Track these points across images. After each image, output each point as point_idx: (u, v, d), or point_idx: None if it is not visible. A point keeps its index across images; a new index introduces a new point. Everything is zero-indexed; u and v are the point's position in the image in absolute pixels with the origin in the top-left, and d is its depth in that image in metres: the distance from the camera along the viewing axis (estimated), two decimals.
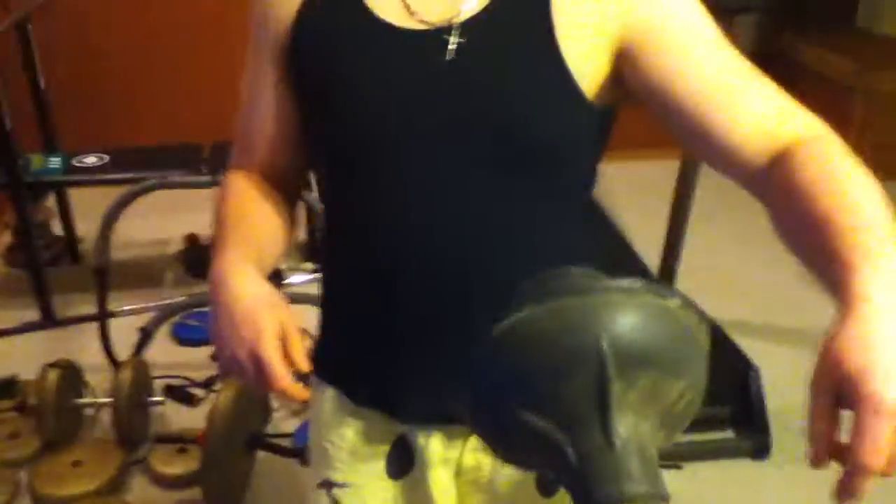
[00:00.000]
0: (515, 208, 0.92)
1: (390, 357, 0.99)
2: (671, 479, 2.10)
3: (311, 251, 3.24)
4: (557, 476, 0.63)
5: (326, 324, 1.06)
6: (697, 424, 2.34)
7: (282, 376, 0.81)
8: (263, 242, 0.96)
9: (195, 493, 2.12)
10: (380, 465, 1.04)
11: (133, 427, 2.28)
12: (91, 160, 2.96)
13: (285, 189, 1.04)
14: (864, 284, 0.62)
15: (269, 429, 2.30)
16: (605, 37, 0.86)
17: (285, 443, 2.22)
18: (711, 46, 0.85)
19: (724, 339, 2.34)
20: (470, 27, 0.87)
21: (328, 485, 1.06)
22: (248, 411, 2.10)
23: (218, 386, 2.50)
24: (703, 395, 0.66)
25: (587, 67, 0.86)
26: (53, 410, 2.20)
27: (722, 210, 3.70)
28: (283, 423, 2.36)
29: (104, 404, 2.32)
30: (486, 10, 0.87)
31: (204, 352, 2.70)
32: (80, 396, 2.35)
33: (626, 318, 0.61)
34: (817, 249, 0.70)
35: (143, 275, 3.22)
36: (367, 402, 1.02)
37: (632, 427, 0.60)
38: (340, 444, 1.04)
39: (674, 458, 2.15)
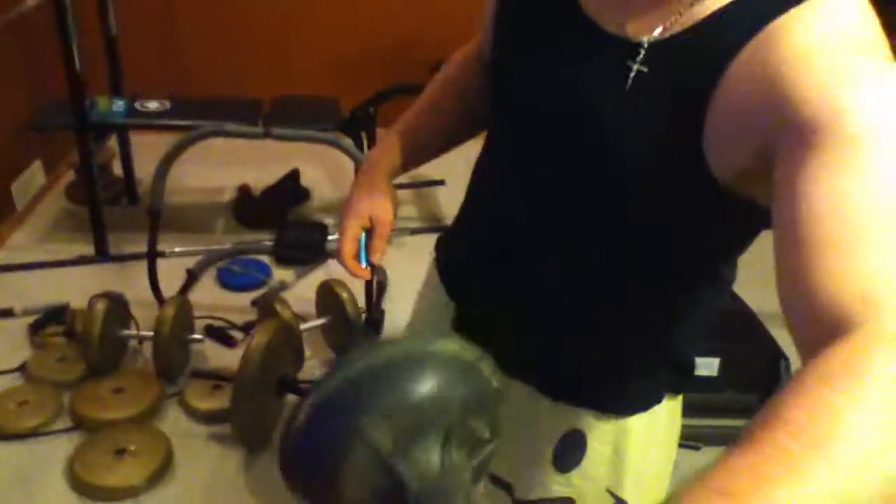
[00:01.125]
0: (614, 249, 0.91)
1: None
2: (691, 461, 2.14)
3: None
4: None
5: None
6: (724, 410, 2.35)
7: (346, 253, 1.05)
8: (430, 136, 1.16)
9: (226, 428, 2.21)
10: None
11: (172, 361, 2.38)
12: (153, 105, 3.05)
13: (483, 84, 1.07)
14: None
15: (301, 375, 2.38)
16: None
17: None
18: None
19: (756, 327, 2.33)
20: (653, 55, 0.79)
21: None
22: (281, 355, 2.17)
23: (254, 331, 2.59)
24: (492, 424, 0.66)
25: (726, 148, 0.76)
26: (99, 338, 2.30)
27: None
28: (314, 370, 2.43)
29: (147, 337, 2.42)
30: (669, 38, 0.79)
31: (245, 297, 2.79)
32: (126, 328, 2.45)
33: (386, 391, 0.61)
34: None
35: (194, 220, 3.33)
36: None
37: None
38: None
39: (696, 440, 2.15)
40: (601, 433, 1.02)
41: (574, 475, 1.03)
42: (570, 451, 1.02)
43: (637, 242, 0.89)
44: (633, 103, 0.80)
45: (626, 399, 1.01)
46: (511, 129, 0.97)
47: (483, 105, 1.02)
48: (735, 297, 2.42)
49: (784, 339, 2.33)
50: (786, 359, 2.24)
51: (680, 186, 0.80)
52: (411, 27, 3.82)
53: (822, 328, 0.57)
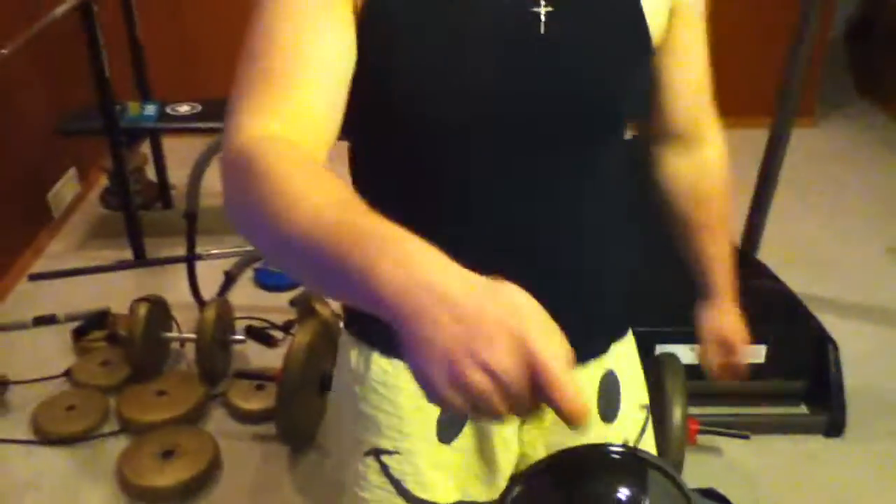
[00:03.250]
0: (589, 180, 0.95)
1: None
2: (740, 450, 2.10)
3: None
4: None
5: None
6: (771, 397, 2.32)
7: (577, 393, 0.54)
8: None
9: (270, 428, 2.22)
10: (429, 430, 1.01)
11: (215, 363, 2.39)
12: (184, 109, 3.07)
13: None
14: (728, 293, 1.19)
15: None
16: None
17: None
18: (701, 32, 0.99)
19: (803, 312, 2.29)
20: None
21: (376, 452, 1.03)
22: (323, 354, 2.17)
23: (295, 329, 2.60)
24: None
25: (657, 21, 0.90)
26: (141, 342, 2.32)
27: (809, 183, 3.61)
28: None
29: (189, 339, 2.43)
30: None
31: (284, 297, 2.79)
32: (167, 331, 2.47)
33: None
34: (690, 236, 1.15)
35: (229, 222, 3.34)
36: None
37: None
38: (390, 410, 1.01)
39: (744, 428, 2.13)
40: (621, 361, 1.07)
41: (619, 417, 1.06)
42: (609, 399, 1.05)
43: (612, 153, 0.97)
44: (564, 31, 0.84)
45: (625, 315, 1.11)
46: (461, 147, 0.87)
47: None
48: (778, 282, 2.38)
49: (831, 324, 2.29)
50: (833, 342, 2.20)
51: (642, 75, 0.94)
52: None
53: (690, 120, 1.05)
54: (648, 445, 1.13)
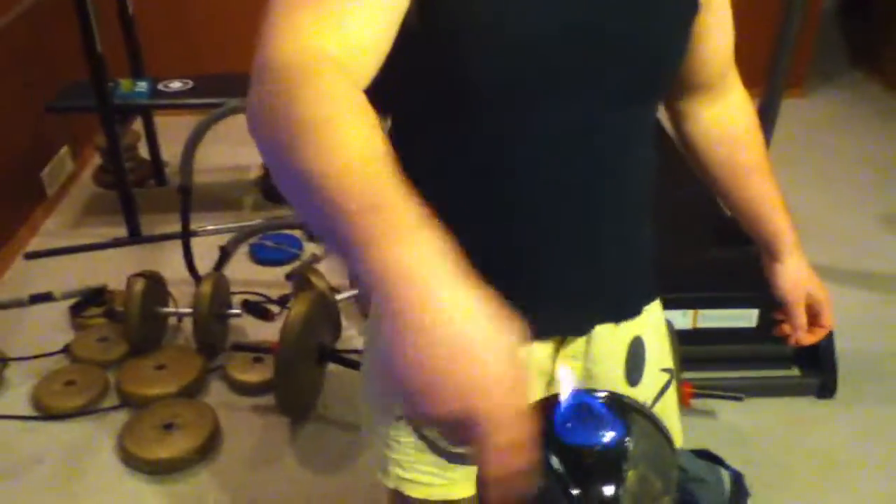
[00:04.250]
0: (634, 141, 0.95)
1: (503, 279, 0.93)
2: (733, 413, 2.13)
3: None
4: None
5: None
6: (764, 361, 2.35)
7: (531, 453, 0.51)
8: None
9: (269, 399, 2.24)
10: None
11: (212, 336, 2.41)
12: (176, 85, 3.06)
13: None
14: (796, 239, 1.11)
15: (339, 344, 2.40)
16: None
17: (354, 358, 2.32)
18: None
19: None
20: None
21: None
22: (319, 325, 2.19)
23: (291, 303, 2.61)
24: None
25: None
26: (139, 317, 2.33)
27: (800, 153, 3.62)
28: (352, 339, 2.46)
29: (186, 314, 2.45)
30: None
31: (279, 271, 2.81)
32: (164, 306, 2.49)
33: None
34: (741, 184, 1.10)
35: (223, 198, 3.34)
36: None
37: None
38: None
39: (737, 390, 2.16)
40: (649, 326, 1.06)
41: (643, 381, 1.06)
42: (636, 363, 1.05)
43: (654, 116, 0.98)
44: None
45: (655, 280, 1.08)
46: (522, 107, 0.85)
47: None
48: None
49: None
50: None
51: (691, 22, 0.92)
52: None
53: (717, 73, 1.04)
54: (668, 405, 1.13)
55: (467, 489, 1.08)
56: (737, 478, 1.82)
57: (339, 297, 2.45)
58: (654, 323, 1.09)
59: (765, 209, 1.10)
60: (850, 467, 2.07)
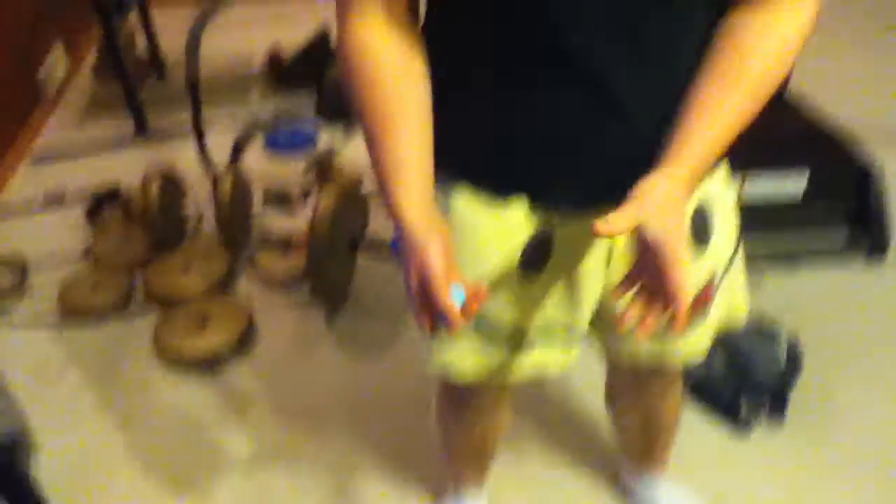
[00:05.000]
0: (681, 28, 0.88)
1: (542, 147, 0.92)
2: (782, 278, 2.04)
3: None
4: None
5: (451, 122, 0.93)
6: (813, 220, 2.26)
7: (457, 320, 0.82)
8: (424, 149, 0.88)
9: (301, 292, 2.18)
10: (512, 261, 1.00)
11: (236, 232, 2.32)
12: None
13: (412, 29, 0.91)
14: (688, 175, 0.84)
15: (369, 234, 2.32)
16: None
17: (384, 247, 2.24)
18: None
19: (844, 139, 2.20)
20: None
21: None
22: (349, 215, 2.11)
23: (313, 192, 2.52)
24: None
25: None
26: (159, 216, 2.25)
27: (838, 14, 3.44)
28: (381, 229, 2.38)
29: (207, 210, 2.36)
30: None
31: (296, 162, 2.70)
32: (183, 203, 2.39)
33: None
34: (699, 86, 0.87)
35: (227, 91, 3.20)
36: (508, 192, 0.96)
37: None
38: (470, 242, 0.99)
39: (787, 254, 2.11)
40: (714, 193, 1.03)
41: (710, 247, 1.04)
42: (701, 228, 1.02)
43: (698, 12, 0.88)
44: None
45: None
46: None
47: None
48: (816, 112, 2.29)
49: (874, 151, 2.22)
50: (876, 167, 2.13)
51: None
52: None
53: None
54: (735, 278, 1.11)
55: (510, 376, 1.09)
56: (792, 351, 1.78)
57: (365, 187, 2.35)
58: (718, 192, 1.04)
59: (695, 115, 0.85)
60: None
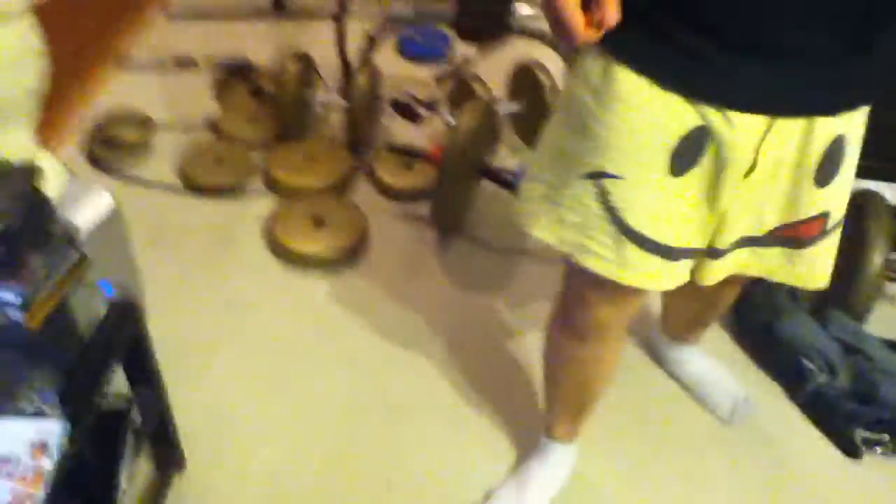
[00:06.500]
0: None
1: (719, 34, 0.89)
2: None
3: None
4: None
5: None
6: None
7: (577, 30, 0.84)
8: None
9: (417, 207, 2.16)
10: (662, 159, 0.97)
11: (363, 132, 2.29)
12: None
13: None
14: None
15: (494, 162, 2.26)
16: None
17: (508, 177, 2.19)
18: None
19: None
20: None
21: (598, 175, 1.00)
22: (482, 140, 2.05)
23: (441, 106, 2.46)
24: None
25: None
26: (292, 100, 2.21)
27: None
28: (505, 159, 2.31)
29: (340, 104, 2.31)
30: None
31: (426, 70, 2.63)
32: (314, 91, 2.35)
33: None
34: None
35: None
36: (673, 82, 0.93)
37: None
38: (624, 129, 0.97)
39: None
40: (855, 131, 1.02)
41: (832, 185, 1.04)
42: (834, 160, 1.02)
43: None
44: None
45: (871, 91, 1.00)
46: None
47: None
48: None
49: None
50: None
51: None
52: None
53: None
54: (830, 243, 1.11)
55: (638, 278, 1.06)
56: None
57: (502, 109, 2.27)
58: (858, 133, 1.04)
59: None
60: None
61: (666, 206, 1.00)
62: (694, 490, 1.57)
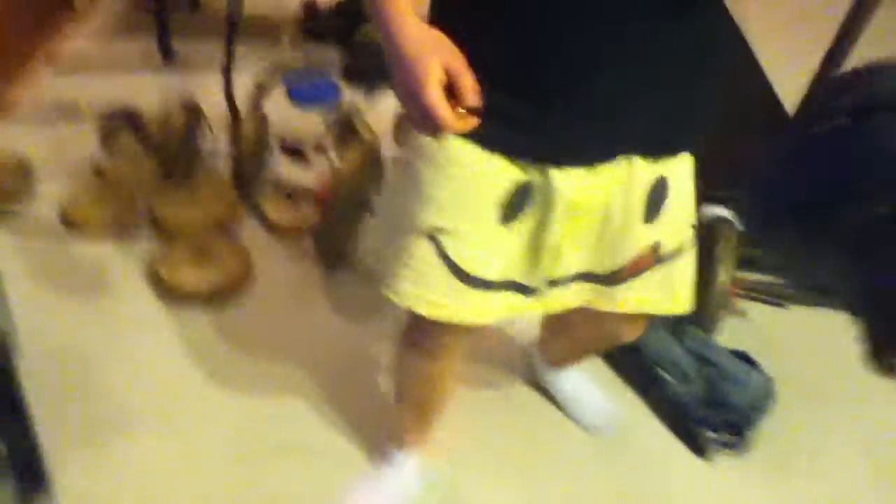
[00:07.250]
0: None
1: (544, 101, 0.98)
2: (769, 317, 2.07)
3: None
4: None
5: None
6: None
7: (447, 121, 0.83)
8: None
9: (303, 243, 2.21)
10: (492, 211, 1.07)
11: (250, 176, 2.34)
12: None
13: None
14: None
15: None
16: None
17: None
18: None
19: None
20: None
21: (433, 231, 1.08)
22: (368, 177, 2.13)
23: (328, 150, 2.54)
24: None
25: None
26: (178, 147, 2.26)
27: None
28: None
29: (226, 151, 2.37)
30: None
31: (315, 116, 2.71)
32: (203, 139, 2.40)
33: None
34: None
35: (259, 32, 3.19)
36: (498, 145, 1.03)
37: None
38: (455, 189, 1.06)
39: (784, 298, 2.16)
40: (677, 175, 1.13)
41: (659, 220, 1.14)
42: (656, 200, 1.12)
43: None
44: None
45: (692, 139, 1.13)
46: None
47: None
48: None
49: None
50: None
51: None
52: None
53: None
54: (681, 268, 1.20)
55: (478, 315, 1.14)
56: (767, 384, 1.83)
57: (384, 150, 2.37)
58: (682, 174, 1.14)
59: None
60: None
61: (496, 248, 1.10)
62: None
